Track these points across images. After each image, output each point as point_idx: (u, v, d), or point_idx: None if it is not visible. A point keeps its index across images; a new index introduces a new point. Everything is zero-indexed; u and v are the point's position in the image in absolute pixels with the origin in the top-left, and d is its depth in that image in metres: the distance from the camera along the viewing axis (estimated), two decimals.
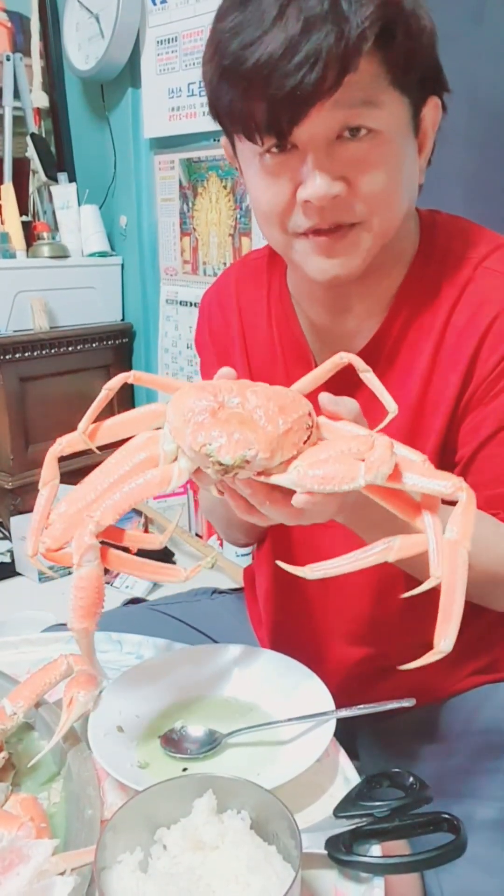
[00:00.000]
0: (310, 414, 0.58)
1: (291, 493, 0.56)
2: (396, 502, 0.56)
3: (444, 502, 0.56)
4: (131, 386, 0.67)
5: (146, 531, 2.21)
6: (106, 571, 0.60)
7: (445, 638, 0.52)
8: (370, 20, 0.62)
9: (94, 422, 0.66)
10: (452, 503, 0.55)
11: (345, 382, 0.66)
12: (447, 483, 0.54)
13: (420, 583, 0.54)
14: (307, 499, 0.55)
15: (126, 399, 2.50)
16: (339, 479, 0.53)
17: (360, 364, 0.62)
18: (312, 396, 0.61)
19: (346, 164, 0.68)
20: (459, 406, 0.77)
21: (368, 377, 0.62)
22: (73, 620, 0.58)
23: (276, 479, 0.56)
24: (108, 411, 0.64)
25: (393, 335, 0.80)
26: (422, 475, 0.55)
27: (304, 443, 0.57)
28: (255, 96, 0.65)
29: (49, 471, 0.66)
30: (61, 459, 0.67)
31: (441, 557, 0.53)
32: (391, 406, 0.60)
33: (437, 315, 0.77)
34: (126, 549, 0.62)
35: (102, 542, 0.58)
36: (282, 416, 0.56)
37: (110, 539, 0.60)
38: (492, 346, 0.75)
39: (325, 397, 0.60)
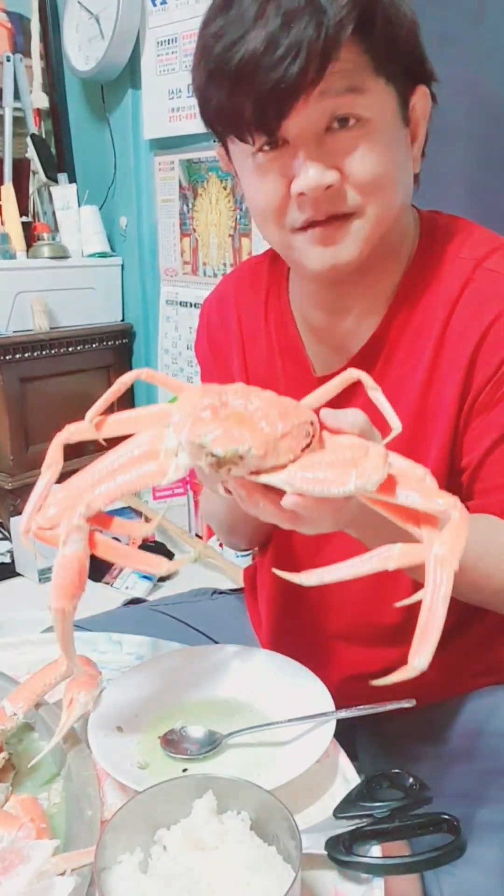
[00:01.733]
0: (312, 423, 0.58)
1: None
2: (398, 511, 0.56)
3: None
4: (132, 386, 0.67)
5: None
6: (92, 557, 0.60)
7: (420, 655, 0.50)
8: (347, 9, 0.63)
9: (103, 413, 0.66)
10: None
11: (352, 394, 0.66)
12: (440, 501, 0.54)
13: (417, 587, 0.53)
14: (296, 500, 0.55)
15: (126, 399, 2.50)
16: (329, 482, 0.53)
17: (368, 381, 0.62)
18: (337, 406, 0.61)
19: (338, 153, 0.69)
20: (463, 410, 0.77)
21: (376, 395, 0.62)
22: (52, 599, 0.58)
23: (266, 478, 0.56)
24: (108, 410, 0.65)
25: (391, 336, 0.80)
26: (417, 491, 0.54)
27: (303, 450, 0.57)
28: (242, 94, 0.66)
29: (53, 455, 0.66)
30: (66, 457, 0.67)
31: (426, 573, 0.52)
32: (395, 424, 0.60)
33: (436, 316, 0.77)
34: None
35: (92, 528, 0.59)
36: (281, 420, 0.57)
37: (100, 525, 0.60)
38: (492, 348, 0.74)
39: (325, 413, 0.60)
